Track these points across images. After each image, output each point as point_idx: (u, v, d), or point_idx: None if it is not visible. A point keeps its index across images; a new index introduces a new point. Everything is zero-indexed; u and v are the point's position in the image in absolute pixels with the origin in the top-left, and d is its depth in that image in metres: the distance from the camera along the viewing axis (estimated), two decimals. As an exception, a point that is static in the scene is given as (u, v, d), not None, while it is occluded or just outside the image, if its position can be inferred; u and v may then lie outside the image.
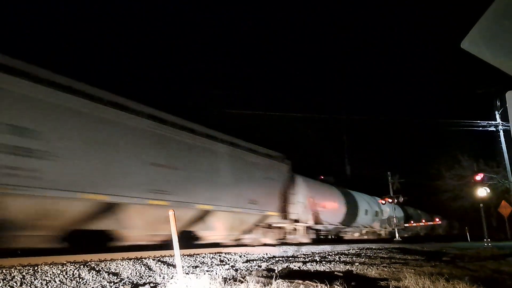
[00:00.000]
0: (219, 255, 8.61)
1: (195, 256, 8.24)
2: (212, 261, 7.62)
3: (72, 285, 4.79)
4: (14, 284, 4.55)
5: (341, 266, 6.38)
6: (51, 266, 5.62)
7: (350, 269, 6.04)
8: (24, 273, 4.99)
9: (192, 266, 6.72)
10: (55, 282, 4.83)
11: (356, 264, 6.80)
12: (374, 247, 13.14)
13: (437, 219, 37.27)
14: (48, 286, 4.63)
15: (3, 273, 4.88)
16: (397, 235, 24.88)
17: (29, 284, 4.61)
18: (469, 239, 25.96)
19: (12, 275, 4.86)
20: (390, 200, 25.74)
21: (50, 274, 5.11)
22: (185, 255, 8.07)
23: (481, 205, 20.55)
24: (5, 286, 4.46)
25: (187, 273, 5.24)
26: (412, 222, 32.26)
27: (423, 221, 35.06)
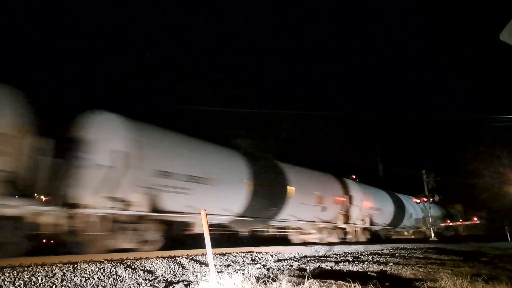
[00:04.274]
0: (250, 254, 8.66)
1: (226, 255, 8.32)
2: (243, 260, 7.67)
3: (109, 282, 4.96)
4: (56, 280, 4.76)
5: (375, 266, 6.27)
6: (89, 263, 5.84)
7: (384, 269, 5.93)
8: (64, 270, 5.21)
9: (224, 265, 6.79)
10: (94, 279, 5.01)
11: (390, 264, 6.65)
12: (408, 247, 12.82)
13: (475, 218, 35.84)
14: (87, 283, 4.81)
15: (45, 270, 5.11)
16: (432, 235, 24.11)
17: (69, 281, 4.81)
18: (509, 239, 24.80)
19: (54, 272, 5.09)
20: (425, 199, 24.99)
21: (89, 272, 5.31)
22: (217, 254, 8.17)
23: None
24: (47, 282, 4.67)
25: (220, 272, 5.31)
26: (448, 221, 31.19)
27: (460, 220, 33.83)
